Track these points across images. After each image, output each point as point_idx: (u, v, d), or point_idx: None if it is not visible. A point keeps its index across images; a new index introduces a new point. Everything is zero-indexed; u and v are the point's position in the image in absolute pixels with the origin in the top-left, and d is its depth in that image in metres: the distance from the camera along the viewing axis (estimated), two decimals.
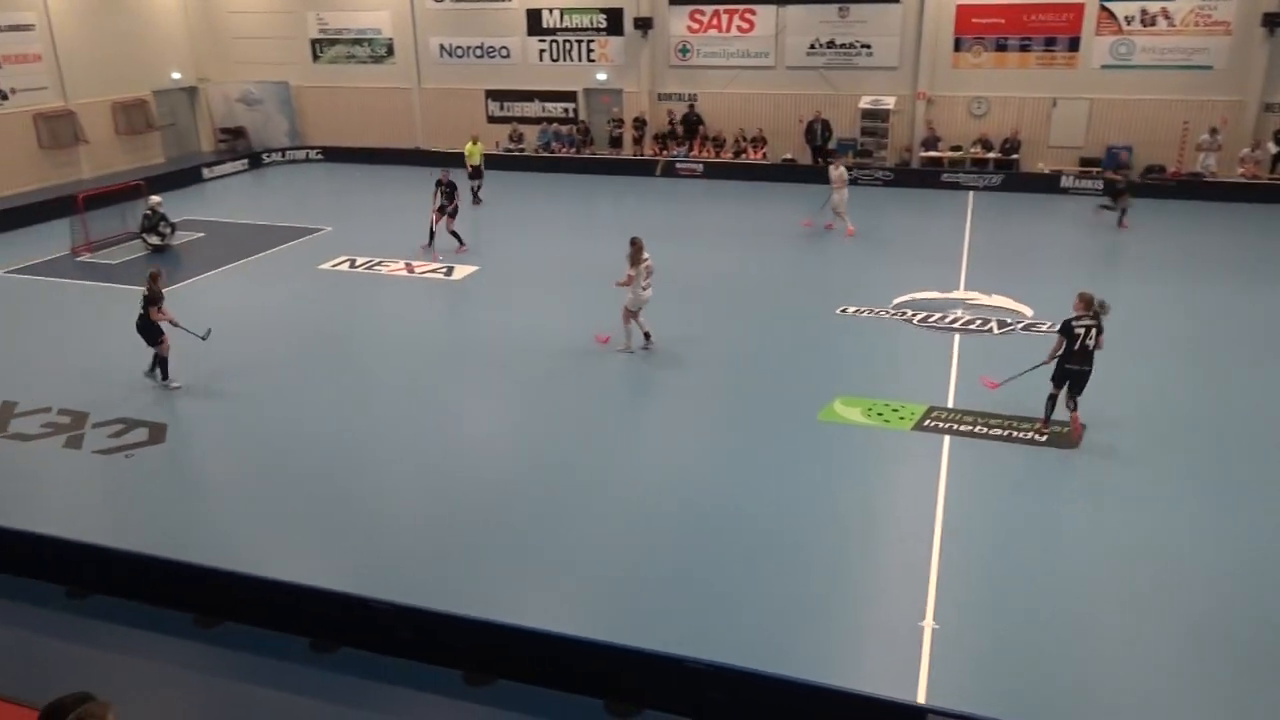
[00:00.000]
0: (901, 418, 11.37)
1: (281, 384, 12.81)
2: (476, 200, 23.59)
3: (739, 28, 26.75)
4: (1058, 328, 10.75)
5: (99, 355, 13.96)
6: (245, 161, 29.40)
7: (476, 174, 23.73)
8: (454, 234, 19.10)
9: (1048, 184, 24.13)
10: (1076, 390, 10.67)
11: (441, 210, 18.93)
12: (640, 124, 27.84)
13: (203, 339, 12.87)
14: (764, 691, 6.52)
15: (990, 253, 18.48)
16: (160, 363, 12.62)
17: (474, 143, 23.85)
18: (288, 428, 11.47)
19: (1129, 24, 23.75)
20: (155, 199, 20.09)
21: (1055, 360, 10.66)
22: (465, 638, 7.24)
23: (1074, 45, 24.34)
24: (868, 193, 24.40)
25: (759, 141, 26.84)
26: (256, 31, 31.02)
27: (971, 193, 24.00)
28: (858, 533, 9.09)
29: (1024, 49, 24.79)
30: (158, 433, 11.32)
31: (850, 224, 19.84)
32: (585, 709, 6.86)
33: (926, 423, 11.23)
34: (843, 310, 15.15)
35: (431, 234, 19.16)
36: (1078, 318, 10.49)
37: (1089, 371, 10.57)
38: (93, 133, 26.92)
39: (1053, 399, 10.91)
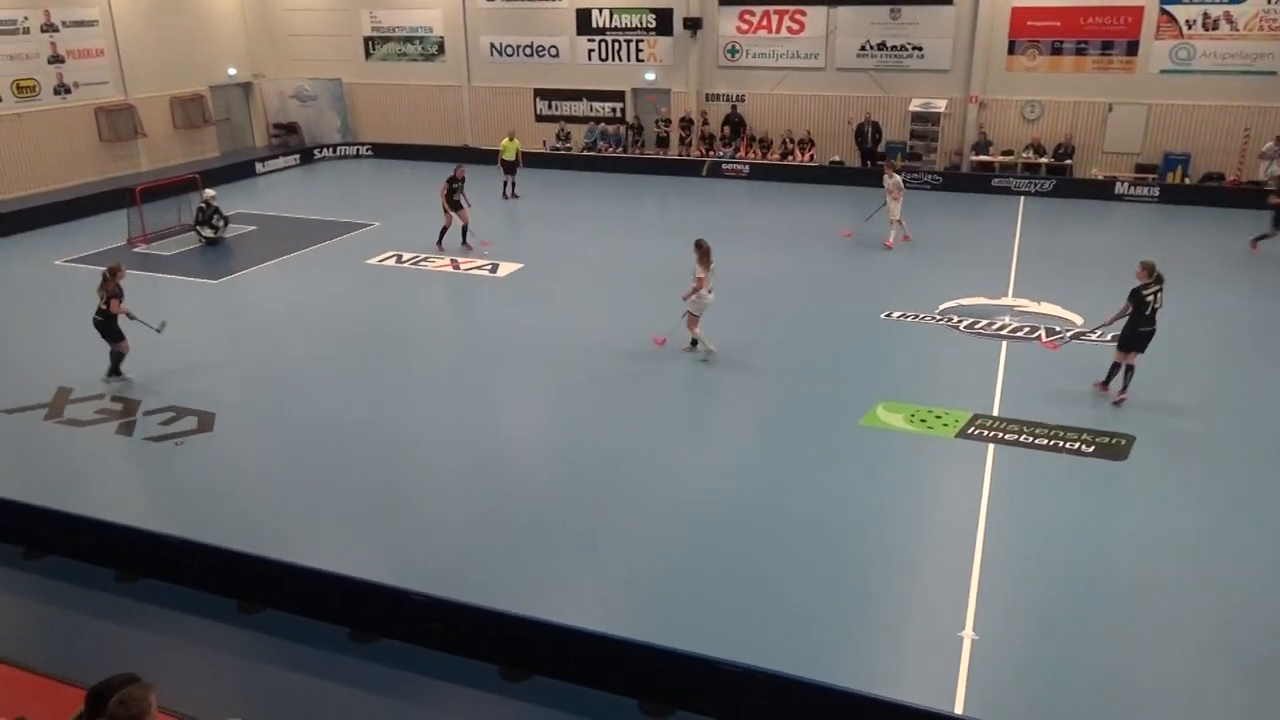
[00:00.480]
0: (945, 424, 11.23)
1: (328, 377, 13.00)
2: (513, 195, 24.10)
3: (789, 28, 26.60)
4: (1128, 296, 11.61)
5: (152, 344, 14.26)
6: (297, 157, 29.88)
7: (510, 169, 24.10)
8: (445, 231, 19.22)
9: (1101, 190, 23.67)
10: (1140, 348, 11.53)
11: (455, 205, 18.94)
12: (687, 124, 27.81)
13: (158, 331, 12.92)
14: (799, 697, 6.48)
15: (1040, 259, 18.17)
16: (116, 359, 12.67)
17: (510, 139, 24.26)
18: (334, 420, 11.63)
19: (1190, 28, 23.20)
20: (209, 192, 20.50)
21: (1125, 325, 11.60)
22: (502, 632, 7.28)
23: (1132, 49, 23.84)
24: (916, 197, 24.05)
25: (807, 143, 26.65)
26: (311, 29, 31.52)
27: (1022, 198, 23.63)
28: (898, 540, 9.00)
29: (1080, 52, 24.32)
30: (206, 421, 11.55)
31: (891, 237, 19.19)
32: (619, 708, 6.87)
33: (970, 430, 11.07)
34: (888, 315, 15.00)
35: (464, 232, 19.18)
36: (1144, 285, 11.41)
37: (1154, 332, 11.50)
38: (151, 126, 27.54)
39: (1116, 366, 11.73)
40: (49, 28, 24.74)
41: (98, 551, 8.64)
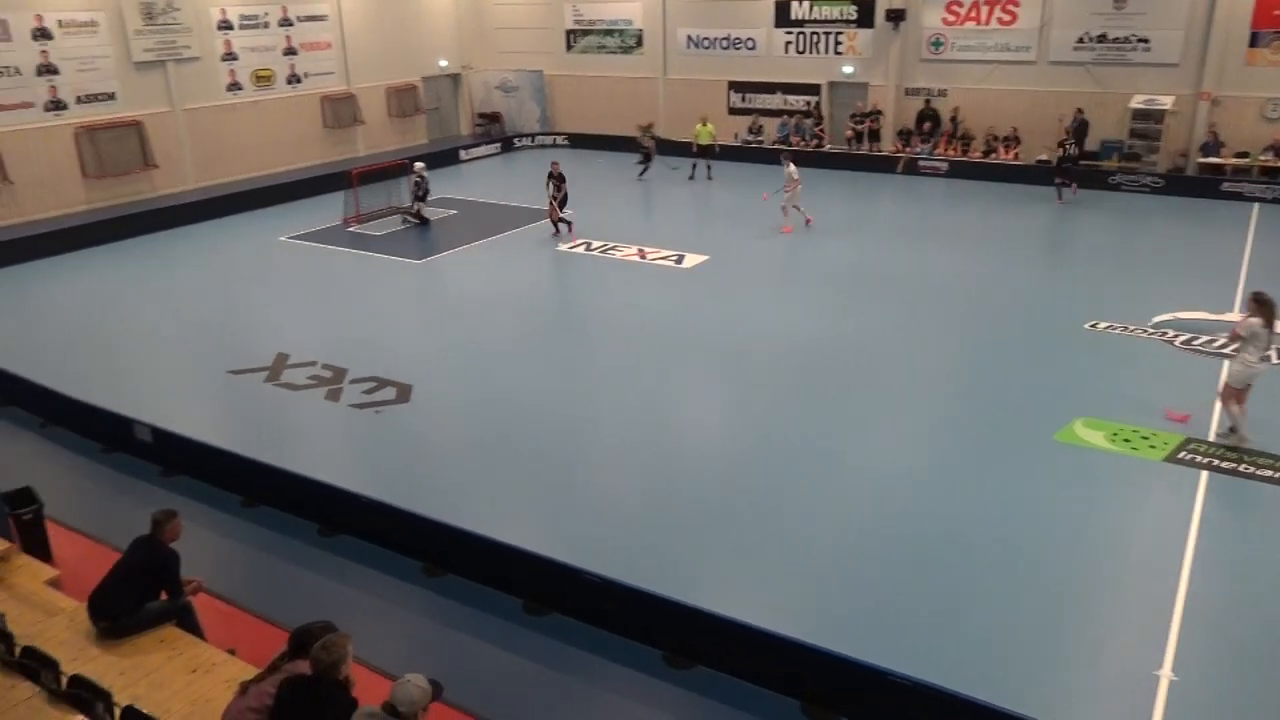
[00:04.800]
0: (1152, 446, 10.40)
1: (517, 356, 13.51)
2: (708, 178, 25.13)
3: (1000, 19, 25.28)
4: None
5: (360, 316, 15.31)
6: (498, 145, 31.20)
7: (706, 153, 25.17)
8: (564, 221, 19.93)
9: None
10: None
11: (553, 200, 19.86)
12: (871, 116, 26.99)
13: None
14: (969, 718, 6.19)
15: (1275, 272, 16.50)
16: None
17: (703, 123, 25.34)
18: (521, 399, 12.06)
19: None
20: (419, 165, 21.69)
21: None
22: (669, 620, 7.34)
23: None
24: (1133, 200, 22.48)
25: (1011, 141, 25.29)
26: (517, 22, 32.74)
27: (1257, 205, 21.50)
28: (1093, 565, 8.42)
29: None
30: (404, 393, 12.25)
31: (789, 222, 19.76)
32: (781, 707, 6.79)
33: (1182, 455, 10.21)
34: (1093, 325, 14.03)
35: (554, 224, 20.06)
36: None
37: None
38: (369, 114, 29.43)
39: None
40: (285, 22, 26.90)
41: (303, 505, 9.37)
